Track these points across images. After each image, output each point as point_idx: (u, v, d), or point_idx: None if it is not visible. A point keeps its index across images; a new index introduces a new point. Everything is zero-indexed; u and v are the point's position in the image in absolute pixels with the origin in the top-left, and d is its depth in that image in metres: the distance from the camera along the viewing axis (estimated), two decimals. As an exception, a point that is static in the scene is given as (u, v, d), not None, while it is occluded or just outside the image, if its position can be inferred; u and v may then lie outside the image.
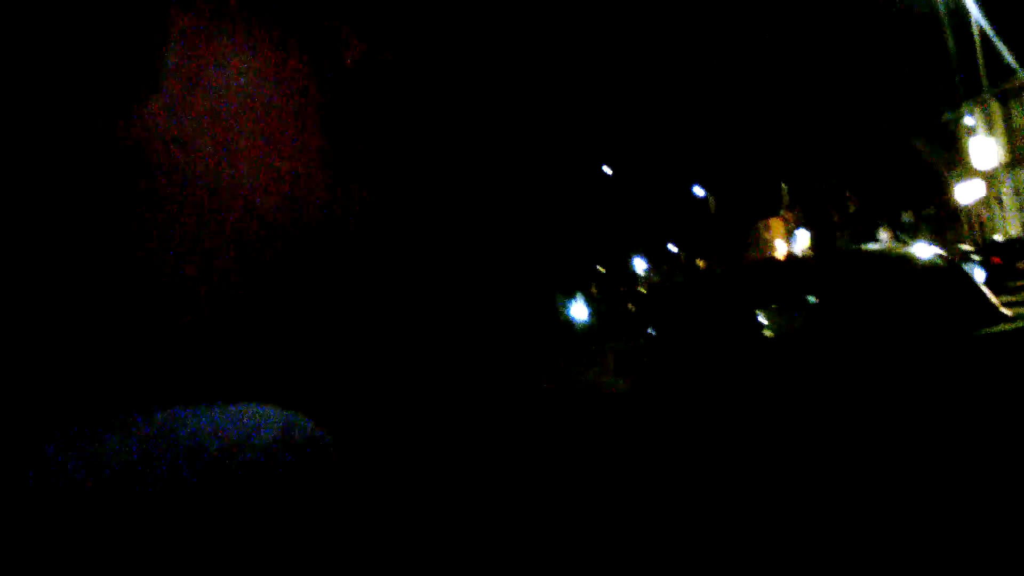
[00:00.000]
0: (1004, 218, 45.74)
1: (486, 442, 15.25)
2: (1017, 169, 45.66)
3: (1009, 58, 37.17)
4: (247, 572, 1.02)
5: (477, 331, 48.20)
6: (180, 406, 1.30)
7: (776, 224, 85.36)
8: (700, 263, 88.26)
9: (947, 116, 50.22)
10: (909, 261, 8.56)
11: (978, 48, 36.59)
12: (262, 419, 1.23)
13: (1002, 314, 6.98)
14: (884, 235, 58.27)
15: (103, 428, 1.15)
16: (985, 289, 7.55)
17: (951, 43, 40.00)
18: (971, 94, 44.22)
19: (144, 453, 1.10)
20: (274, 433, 1.22)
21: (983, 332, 6.53)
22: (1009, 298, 32.96)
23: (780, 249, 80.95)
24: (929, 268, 8.02)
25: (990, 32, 36.25)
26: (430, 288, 38.59)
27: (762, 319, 9.32)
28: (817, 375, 7.14)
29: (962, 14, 36.99)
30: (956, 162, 50.96)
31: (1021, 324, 6.66)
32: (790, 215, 78.43)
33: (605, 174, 59.23)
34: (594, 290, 79.86)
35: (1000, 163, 44.31)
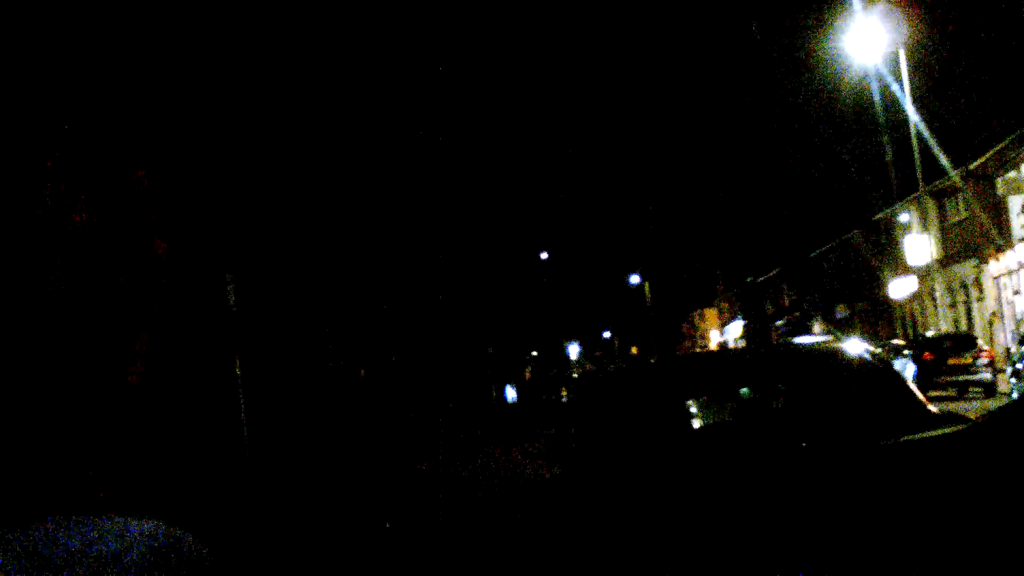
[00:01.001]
0: (936, 314, 46.14)
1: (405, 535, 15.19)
2: (950, 266, 46.14)
3: (943, 158, 37.64)
4: None
5: (405, 419, 47.87)
6: (53, 518, 1.26)
7: (710, 314, 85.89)
8: (634, 350, 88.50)
9: (883, 213, 50.73)
10: (840, 357, 8.58)
11: (914, 148, 37.05)
12: (136, 533, 1.20)
13: (930, 416, 6.98)
14: (817, 328, 58.65)
15: None
16: (915, 388, 7.56)
17: (888, 143, 40.53)
18: (906, 192, 44.74)
19: (15, 572, 1.05)
20: (147, 548, 1.19)
21: (910, 437, 6.53)
22: (939, 392, 33.29)
23: (714, 339, 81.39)
24: (859, 365, 8.03)
25: (925, 133, 36.76)
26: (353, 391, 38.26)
27: (692, 410, 9.33)
28: (741, 470, 7.12)
29: (901, 115, 37.50)
30: (891, 258, 51.45)
31: (945, 431, 6.65)
32: (725, 305, 78.90)
33: (541, 259, 59.41)
34: (527, 375, 79.78)
35: (933, 259, 44.75)
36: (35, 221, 17.76)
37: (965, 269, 46.32)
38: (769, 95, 41.59)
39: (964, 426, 6.67)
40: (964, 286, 47.17)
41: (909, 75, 36.03)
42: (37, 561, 0.93)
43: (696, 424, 9.42)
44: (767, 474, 6.98)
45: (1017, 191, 38.08)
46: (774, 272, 63.54)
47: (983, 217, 41.39)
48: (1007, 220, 40.03)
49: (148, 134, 21.66)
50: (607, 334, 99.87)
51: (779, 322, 64.30)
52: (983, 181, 41.19)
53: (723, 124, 42.04)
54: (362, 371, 39.24)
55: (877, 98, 38.16)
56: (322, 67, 34.20)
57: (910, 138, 37.31)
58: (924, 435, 6.52)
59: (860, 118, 41.83)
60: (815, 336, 52.18)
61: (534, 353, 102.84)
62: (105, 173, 19.73)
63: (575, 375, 70.00)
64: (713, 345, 76.19)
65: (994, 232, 40.75)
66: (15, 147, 17.33)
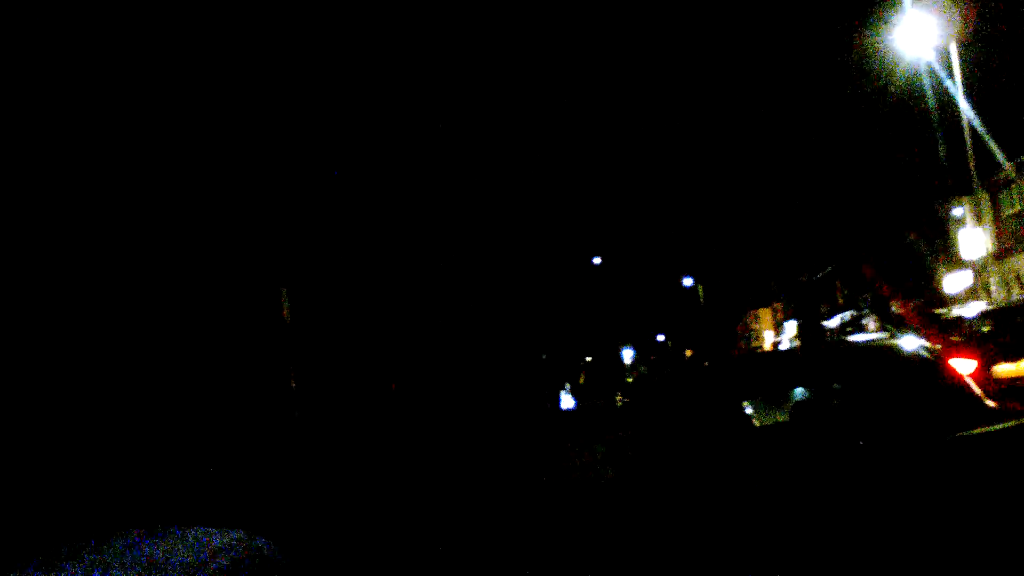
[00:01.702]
0: (992, 309, 45.87)
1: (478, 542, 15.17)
2: (1005, 259, 45.80)
3: (998, 152, 37.40)
4: None
5: (468, 427, 47.90)
6: (136, 530, 1.28)
7: (765, 314, 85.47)
8: (688, 352, 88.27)
9: (938, 208, 50.42)
10: (896, 354, 8.53)
11: (968, 142, 36.77)
12: (218, 544, 1.21)
13: (987, 410, 6.93)
14: (872, 326, 58.26)
15: (63, 555, 1.12)
16: (971, 383, 7.50)
17: (942, 138, 40.28)
18: (961, 186, 44.44)
19: None
20: (229, 558, 1.20)
21: (966, 433, 6.47)
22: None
23: (768, 339, 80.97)
24: (915, 361, 7.98)
25: (980, 127, 36.48)
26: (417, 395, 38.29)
27: (749, 411, 9.30)
28: (801, 470, 7.08)
29: (954, 110, 37.21)
30: (945, 253, 51.11)
31: (1007, 425, 6.59)
32: (779, 305, 78.54)
33: (594, 265, 59.34)
34: (582, 380, 79.61)
35: (988, 253, 44.39)
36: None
37: (1020, 262, 46.01)
38: (821, 92, 41.41)
39: (1022, 421, 6.62)
40: (1019, 279, 46.84)
41: (961, 68, 35.75)
42: (121, 572, 0.95)
43: (754, 425, 9.39)
44: (826, 474, 6.94)
45: (1073, 182, 37.88)
46: (827, 271, 63.21)
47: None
48: (1062, 212, 39.82)
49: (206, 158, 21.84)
50: (661, 337, 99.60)
51: (833, 321, 63.95)
52: (1038, 173, 41.00)
53: (774, 123, 41.89)
54: (393, 384, 39.25)
55: (929, 92, 37.90)
56: (371, 81, 34.30)
57: (963, 132, 37.02)
58: (982, 430, 6.47)
59: (912, 113, 41.59)
60: (870, 334, 51.85)
61: (588, 359, 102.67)
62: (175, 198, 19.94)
63: (630, 380, 69.90)
64: (767, 346, 75.85)
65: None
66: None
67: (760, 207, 45.38)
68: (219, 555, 1.06)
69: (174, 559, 1.03)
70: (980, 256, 45.03)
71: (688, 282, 56.75)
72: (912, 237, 53.85)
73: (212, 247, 21.82)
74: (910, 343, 8.73)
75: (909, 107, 41.34)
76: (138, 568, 1.02)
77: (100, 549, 1.08)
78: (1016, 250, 45.57)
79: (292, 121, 27.57)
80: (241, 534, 1.20)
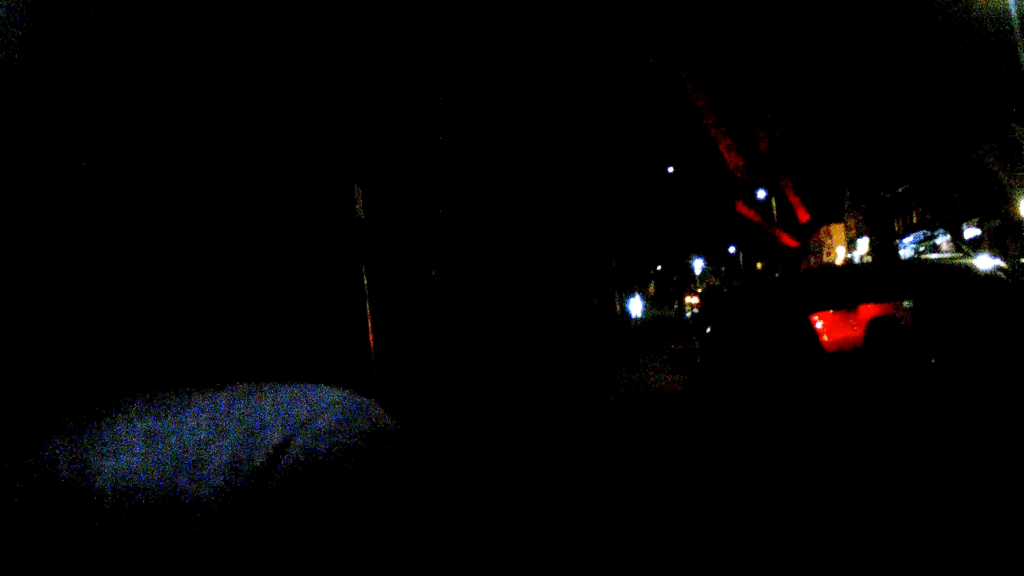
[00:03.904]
0: (1069, 232, 45.39)
1: (544, 435, 15.27)
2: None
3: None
4: (307, 555, 1.04)
5: (539, 329, 47.99)
6: (243, 383, 1.32)
7: (837, 230, 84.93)
8: (759, 265, 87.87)
9: (1016, 129, 49.76)
10: (970, 273, 8.49)
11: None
12: (327, 400, 1.25)
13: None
14: (946, 246, 57.79)
15: (166, 404, 1.17)
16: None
17: (1022, 56, 39.60)
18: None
19: (203, 436, 1.12)
20: (337, 415, 1.24)
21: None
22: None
23: (840, 255, 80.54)
24: (990, 281, 7.95)
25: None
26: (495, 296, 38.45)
27: (819, 325, 9.34)
28: (872, 387, 7.09)
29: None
30: (1022, 175, 50.50)
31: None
32: (852, 221, 77.98)
33: (667, 173, 59.08)
34: (652, 289, 79.55)
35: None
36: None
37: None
38: (902, 7, 40.79)
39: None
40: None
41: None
42: (225, 425, 0.97)
43: (823, 340, 9.41)
44: (896, 392, 6.95)
45: None
46: (903, 188, 62.64)
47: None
48: None
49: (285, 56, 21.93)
50: (732, 249, 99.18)
51: (907, 239, 63.51)
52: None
53: (854, 36, 41.32)
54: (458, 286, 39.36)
55: (1013, 9, 37.21)
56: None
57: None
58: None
59: (995, 30, 40.90)
60: (944, 253, 51.47)
61: (659, 267, 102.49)
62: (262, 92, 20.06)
63: (700, 290, 69.79)
64: (839, 261, 75.29)
65: None
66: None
67: (837, 119, 44.80)
68: (328, 410, 1.08)
69: (282, 413, 1.05)
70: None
71: (762, 194, 56.29)
72: (990, 158, 53.25)
73: (289, 145, 21.92)
74: (985, 263, 8.67)
75: (992, 23, 40.65)
76: (244, 423, 1.03)
77: (200, 400, 1.08)
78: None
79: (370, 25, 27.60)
80: (347, 391, 1.22)
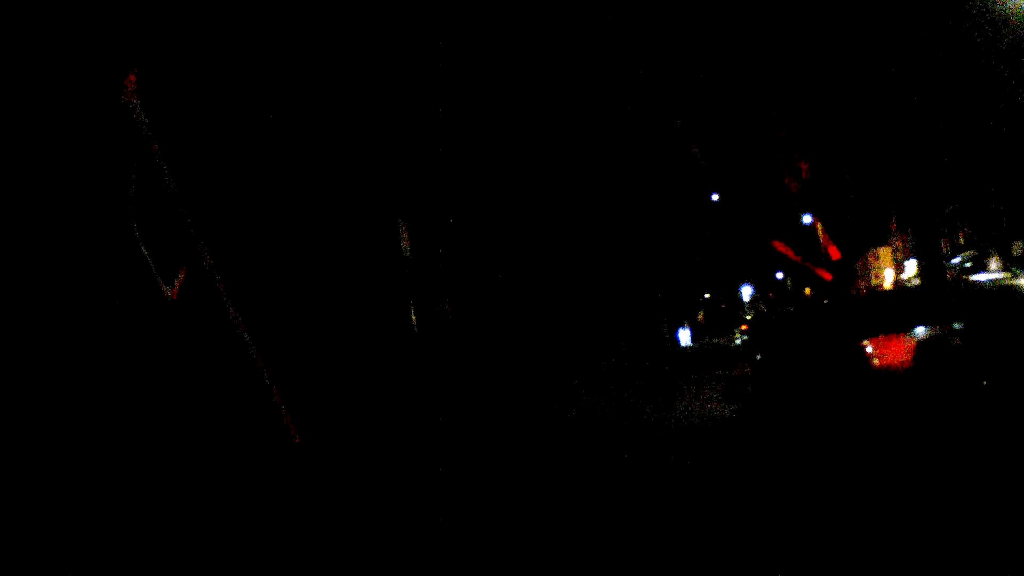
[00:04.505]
0: (1119, 251, 45.06)
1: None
2: None
3: None
4: None
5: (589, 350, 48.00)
6: None
7: (885, 252, 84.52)
8: (807, 291, 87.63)
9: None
10: (1019, 294, 8.51)
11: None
12: None
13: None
14: (994, 265, 57.51)
15: None
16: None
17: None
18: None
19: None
20: None
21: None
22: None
23: (888, 278, 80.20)
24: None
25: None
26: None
27: (869, 350, 9.31)
28: (924, 409, 7.11)
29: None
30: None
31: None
32: (899, 243, 77.65)
33: (713, 202, 59.09)
34: (700, 317, 79.50)
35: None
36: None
37: None
38: (948, 23, 40.70)
39: None
40: None
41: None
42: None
43: (874, 364, 9.41)
44: (949, 414, 6.98)
45: None
46: (949, 209, 62.36)
47: None
48: None
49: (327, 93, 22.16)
50: (780, 275, 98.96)
51: (955, 260, 63.19)
52: None
53: (898, 56, 41.23)
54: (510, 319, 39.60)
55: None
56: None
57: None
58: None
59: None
60: (992, 274, 51.21)
61: (707, 295, 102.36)
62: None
63: (748, 317, 69.72)
64: (888, 284, 75.02)
65: None
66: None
67: (884, 142, 44.71)
68: None
69: None
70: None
71: (807, 219, 56.17)
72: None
73: (334, 181, 22.11)
74: (1035, 284, 8.70)
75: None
76: None
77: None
78: None
79: (409, 57, 27.74)
80: None
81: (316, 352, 19.15)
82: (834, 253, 52.76)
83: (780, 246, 53.76)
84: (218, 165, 15.95)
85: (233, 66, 17.79)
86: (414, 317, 26.35)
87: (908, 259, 72.06)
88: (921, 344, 8.51)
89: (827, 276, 53.23)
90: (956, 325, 8.75)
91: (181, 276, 11.92)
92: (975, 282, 12.53)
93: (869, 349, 10.59)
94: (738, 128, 48.68)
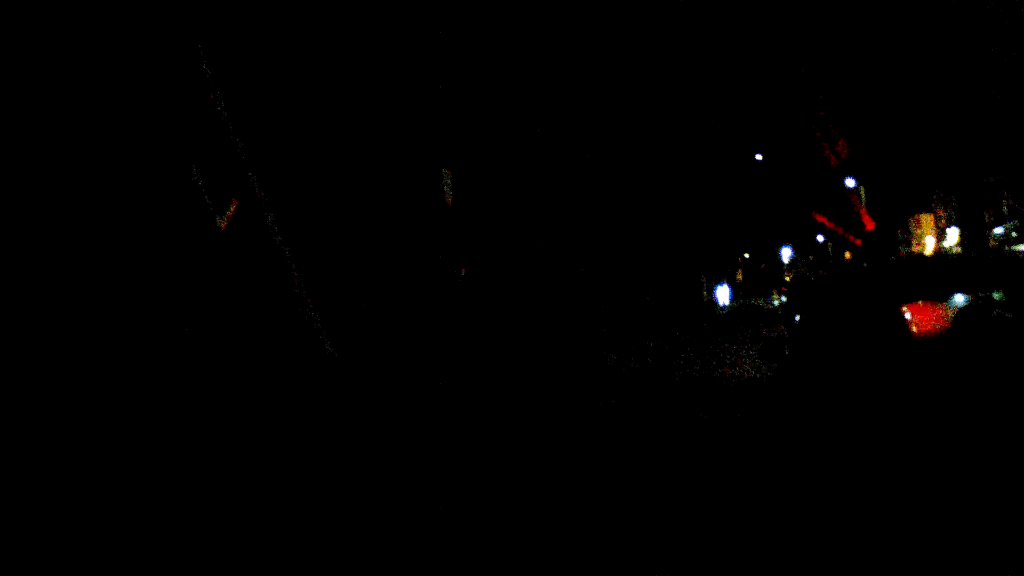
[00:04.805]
0: None
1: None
2: None
3: None
4: None
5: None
6: None
7: (927, 219, 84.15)
8: (847, 255, 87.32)
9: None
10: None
11: None
12: None
13: None
14: (1036, 236, 57.13)
15: None
16: None
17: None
18: None
19: None
20: None
21: None
22: None
23: (929, 245, 79.85)
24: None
25: None
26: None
27: (908, 316, 9.33)
28: (963, 376, 7.13)
29: None
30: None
31: None
32: (941, 211, 77.28)
33: (756, 161, 58.89)
34: (739, 277, 79.38)
35: None
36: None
37: None
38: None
39: None
40: None
41: None
42: None
43: (912, 330, 9.43)
44: (987, 381, 7.00)
45: None
46: (993, 179, 61.97)
47: None
48: None
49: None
50: (820, 238, 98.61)
51: (997, 229, 62.83)
52: None
53: (944, 27, 40.94)
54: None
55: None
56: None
57: None
58: None
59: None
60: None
61: (746, 256, 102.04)
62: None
63: (788, 279, 69.54)
64: (928, 251, 74.69)
65: None
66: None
67: (929, 108, 44.44)
68: None
69: None
70: None
71: (851, 183, 55.87)
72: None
73: (380, 128, 22.15)
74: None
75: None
76: None
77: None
78: None
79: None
80: None
81: (357, 288, 19.32)
82: (868, 223, 52.94)
83: (819, 217, 54.12)
84: (274, 110, 16.07)
85: (282, 9, 17.87)
86: (458, 269, 26.48)
87: (950, 227, 71.73)
88: (960, 312, 8.53)
89: (860, 244, 53.58)
90: (996, 295, 8.76)
91: (233, 208, 12.13)
92: (1017, 252, 12.48)
93: (908, 315, 10.61)
94: (778, 103, 48.61)
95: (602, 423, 15.71)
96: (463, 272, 31.08)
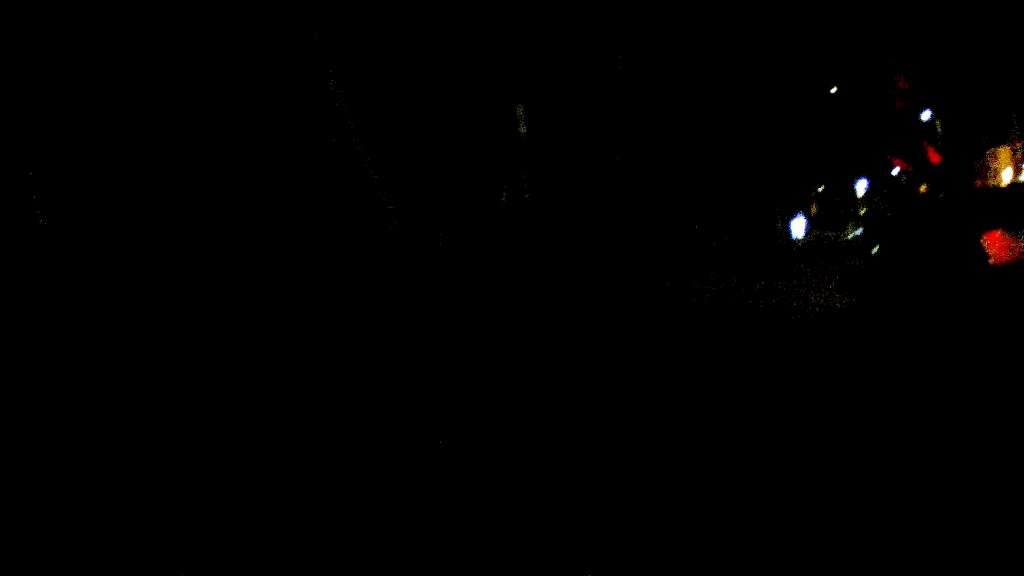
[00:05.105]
0: None
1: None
2: None
3: None
4: None
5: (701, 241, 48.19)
6: None
7: (1004, 153, 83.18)
8: (923, 188, 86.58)
9: None
10: None
11: None
12: None
13: None
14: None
15: None
16: None
17: None
18: None
19: None
20: None
21: None
22: None
23: (1006, 178, 79.03)
24: None
25: None
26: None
27: (985, 246, 9.49)
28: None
29: None
30: None
31: None
32: (1019, 144, 76.40)
33: (831, 95, 58.55)
34: (814, 209, 78.94)
35: None
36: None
37: None
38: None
39: None
40: None
41: None
42: None
43: (989, 259, 9.60)
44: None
45: None
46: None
47: None
48: None
49: None
50: (895, 171, 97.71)
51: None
52: None
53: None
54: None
55: None
56: None
57: None
58: None
59: None
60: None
61: (821, 188, 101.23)
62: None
63: (863, 212, 69.12)
64: (1005, 184, 74.02)
65: None
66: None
67: (1006, 40, 44.05)
68: None
69: None
70: None
71: (927, 115, 55.38)
72: None
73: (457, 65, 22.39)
74: None
75: None
76: None
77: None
78: None
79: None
80: None
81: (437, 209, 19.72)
82: (934, 157, 53.16)
83: (891, 157, 54.38)
84: (364, 39, 16.45)
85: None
86: (527, 195, 26.69)
87: (1028, 159, 70.98)
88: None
89: (924, 188, 54.03)
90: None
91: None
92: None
93: (985, 245, 10.75)
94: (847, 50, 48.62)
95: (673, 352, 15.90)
96: (504, 195, 31.28)
